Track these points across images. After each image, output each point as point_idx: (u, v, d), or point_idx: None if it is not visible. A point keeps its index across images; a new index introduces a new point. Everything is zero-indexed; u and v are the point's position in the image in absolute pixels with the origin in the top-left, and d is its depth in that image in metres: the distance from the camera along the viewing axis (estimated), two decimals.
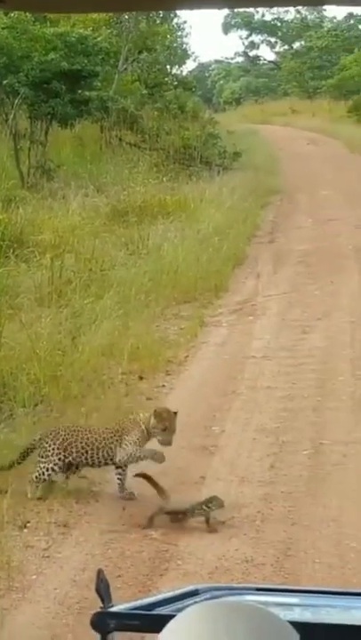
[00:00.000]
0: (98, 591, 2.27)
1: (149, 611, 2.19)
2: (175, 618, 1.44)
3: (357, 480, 6.97)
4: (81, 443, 6.76)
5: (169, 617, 1.46)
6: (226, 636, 1.38)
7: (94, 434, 6.80)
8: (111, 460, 6.76)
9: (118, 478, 6.75)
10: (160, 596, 2.31)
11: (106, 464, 6.81)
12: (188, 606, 1.50)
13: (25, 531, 6.23)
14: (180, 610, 1.50)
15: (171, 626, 1.44)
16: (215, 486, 6.84)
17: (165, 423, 6.68)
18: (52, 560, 5.87)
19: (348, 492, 6.75)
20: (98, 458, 6.76)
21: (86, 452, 6.75)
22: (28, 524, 6.29)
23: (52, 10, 2.26)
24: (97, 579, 2.28)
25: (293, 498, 6.67)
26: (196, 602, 1.89)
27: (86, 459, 6.77)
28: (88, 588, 5.15)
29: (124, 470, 6.74)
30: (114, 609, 2.22)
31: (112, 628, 2.16)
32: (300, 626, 1.49)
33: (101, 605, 2.23)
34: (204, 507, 6.23)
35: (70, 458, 6.75)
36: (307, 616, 2.30)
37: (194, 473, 7.11)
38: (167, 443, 6.72)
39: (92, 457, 6.76)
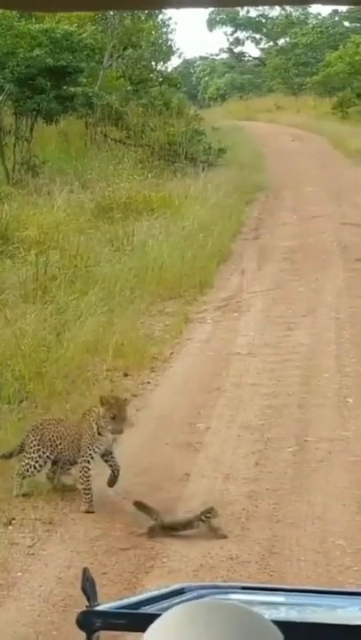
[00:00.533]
0: (84, 589, 2.26)
1: (135, 609, 2.19)
2: (159, 618, 1.44)
3: (342, 477, 6.98)
4: (60, 438, 6.66)
5: (155, 616, 1.46)
6: (207, 637, 1.38)
7: (69, 428, 6.69)
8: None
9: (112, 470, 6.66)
10: (146, 595, 2.31)
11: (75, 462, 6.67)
12: (173, 605, 1.50)
13: (10, 528, 6.22)
14: (165, 609, 1.50)
15: (154, 626, 1.44)
16: (200, 483, 6.85)
17: (114, 411, 6.44)
18: (37, 557, 5.86)
19: (332, 490, 6.76)
20: (71, 455, 6.66)
21: (64, 447, 6.66)
22: (14, 521, 6.28)
23: (38, 8, 2.25)
24: (83, 577, 2.28)
25: (278, 495, 6.67)
26: (182, 601, 1.89)
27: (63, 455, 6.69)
28: (73, 585, 5.14)
29: (113, 459, 6.62)
30: (100, 607, 2.21)
31: (98, 627, 2.15)
32: (285, 625, 1.49)
33: (87, 604, 2.23)
34: (202, 518, 6.12)
35: (53, 455, 6.67)
36: (292, 615, 2.30)
37: (178, 470, 7.09)
38: (118, 431, 6.50)
39: (67, 452, 6.66)
